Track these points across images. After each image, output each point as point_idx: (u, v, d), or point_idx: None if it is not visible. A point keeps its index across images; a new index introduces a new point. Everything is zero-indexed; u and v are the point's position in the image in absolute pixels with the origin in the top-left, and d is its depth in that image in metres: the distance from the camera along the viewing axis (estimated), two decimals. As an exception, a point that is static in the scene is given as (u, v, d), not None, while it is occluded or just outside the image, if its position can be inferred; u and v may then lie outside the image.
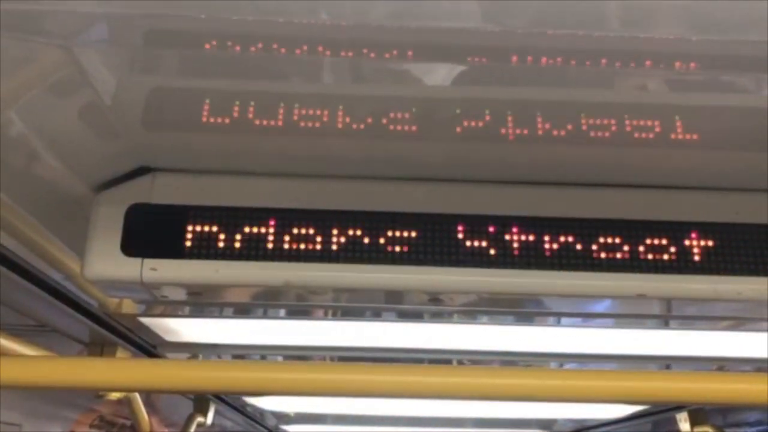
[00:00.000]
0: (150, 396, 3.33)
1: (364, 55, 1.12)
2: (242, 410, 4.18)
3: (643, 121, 1.32)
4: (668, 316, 1.90)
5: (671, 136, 1.32)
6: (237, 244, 1.37)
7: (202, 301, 1.63)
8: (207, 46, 1.11)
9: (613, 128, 1.31)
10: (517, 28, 1.01)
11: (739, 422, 3.35)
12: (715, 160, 1.42)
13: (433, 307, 1.62)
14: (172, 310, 2.15)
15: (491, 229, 1.44)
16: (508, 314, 2.07)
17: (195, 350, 2.79)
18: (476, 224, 1.45)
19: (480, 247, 1.43)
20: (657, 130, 1.32)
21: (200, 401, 3.46)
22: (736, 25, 1.00)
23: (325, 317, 2.15)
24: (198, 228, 1.38)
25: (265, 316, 2.19)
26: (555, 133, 1.33)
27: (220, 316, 2.20)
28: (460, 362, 2.84)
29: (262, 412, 4.47)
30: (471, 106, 1.28)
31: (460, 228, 1.44)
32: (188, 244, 1.37)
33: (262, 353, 2.89)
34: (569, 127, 1.31)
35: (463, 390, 1.51)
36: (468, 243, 1.43)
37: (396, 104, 1.27)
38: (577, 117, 1.29)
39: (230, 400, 3.83)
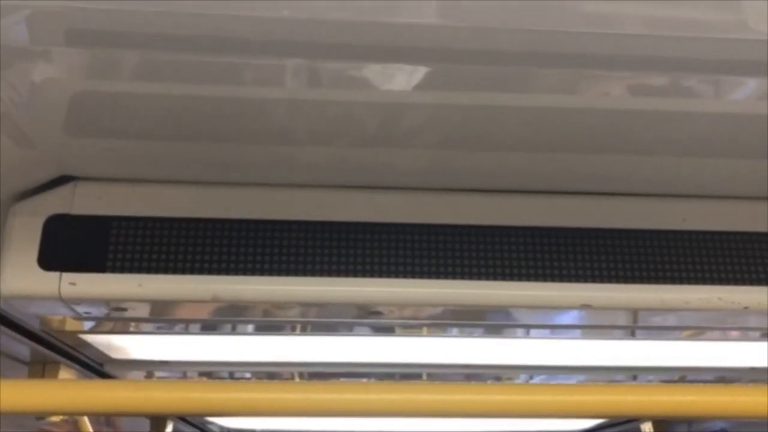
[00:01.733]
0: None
1: (310, 58, 1.08)
2: (203, 428, 4.08)
3: (602, 128, 1.29)
4: (634, 326, 1.88)
5: (628, 143, 1.30)
6: (162, 257, 1.30)
7: (134, 317, 1.56)
8: (134, 46, 1.06)
9: (575, 135, 1.28)
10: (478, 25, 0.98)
11: (704, 430, 3.36)
12: (663, 166, 1.39)
13: (376, 320, 1.57)
14: (122, 326, 2.07)
15: (440, 238, 1.39)
16: (473, 327, 2.03)
17: (149, 368, 2.71)
18: (422, 234, 1.40)
19: (425, 258, 1.38)
20: (615, 137, 1.29)
21: (157, 420, 3.35)
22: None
23: (291, 332, 2.08)
24: (121, 240, 1.31)
25: (221, 331, 2.12)
26: (512, 140, 1.30)
27: (172, 332, 2.12)
28: (431, 375, 2.79)
29: (225, 431, 4.38)
30: (424, 113, 1.24)
31: (404, 238, 1.39)
32: (110, 257, 1.30)
33: (226, 369, 2.81)
34: (527, 133, 1.28)
35: (432, 407, 1.45)
36: (402, 254, 1.39)
37: (343, 109, 1.23)
38: (536, 123, 1.26)
39: (190, 418, 3.73)
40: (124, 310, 1.38)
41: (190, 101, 1.19)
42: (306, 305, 1.44)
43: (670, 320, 1.62)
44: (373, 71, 1.13)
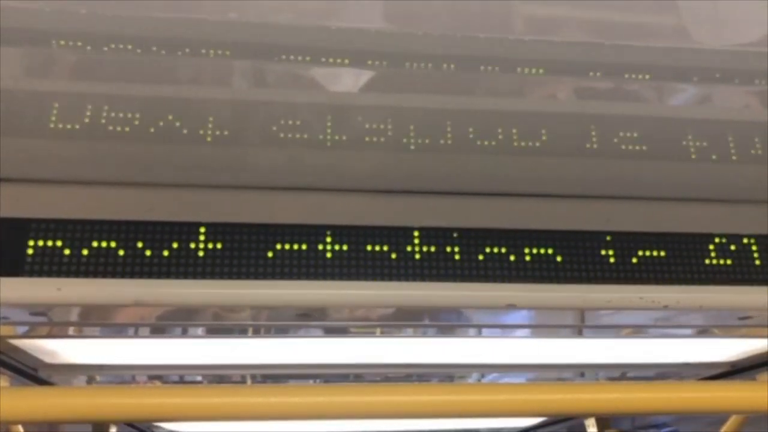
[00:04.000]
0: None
1: (239, 56, 1.07)
2: (149, 432, 4.00)
3: (541, 130, 1.31)
4: (580, 326, 1.91)
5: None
6: (82, 260, 1.27)
7: (58, 321, 1.52)
8: (57, 45, 1.03)
9: (514, 137, 1.30)
10: (429, 31, 0.98)
11: (646, 425, 3.43)
12: (591, 168, 1.42)
13: (328, 322, 1.56)
14: (56, 330, 2.02)
15: (390, 240, 1.39)
16: (424, 327, 2.03)
17: (90, 372, 2.64)
18: (372, 236, 1.40)
19: (375, 260, 1.38)
20: (553, 138, 1.32)
21: (99, 425, 3.28)
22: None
23: (241, 335, 2.05)
24: (40, 243, 1.28)
25: (169, 334, 2.08)
26: (461, 143, 1.31)
27: (111, 335, 2.08)
28: (383, 376, 2.80)
29: (172, 435, 4.29)
30: (375, 113, 1.24)
31: (354, 240, 1.39)
32: (28, 260, 1.26)
33: (176, 372, 2.76)
34: (476, 135, 1.29)
35: (384, 409, 1.45)
36: (352, 255, 1.38)
37: (286, 110, 1.22)
38: (485, 126, 1.27)
39: (135, 423, 3.65)
40: (44, 314, 1.35)
41: (118, 101, 1.17)
42: (253, 308, 1.42)
43: (608, 319, 1.65)
44: (320, 73, 1.13)
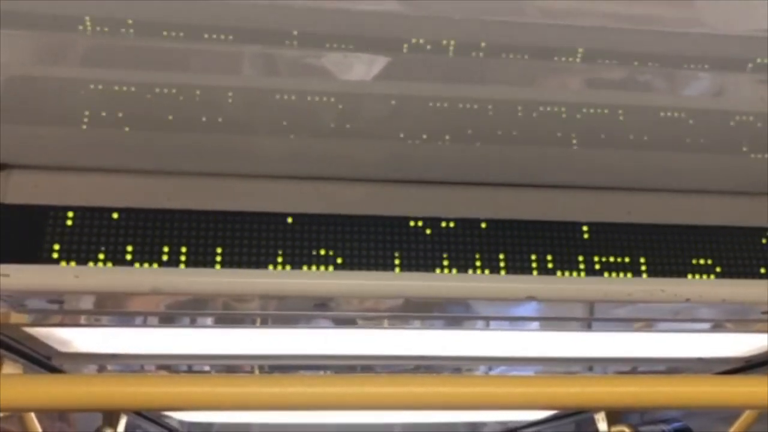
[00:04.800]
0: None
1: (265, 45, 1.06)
2: (159, 422, 4.02)
3: (547, 121, 1.29)
4: (590, 318, 1.90)
5: (573, 137, 1.30)
6: (100, 248, 1.26)
7: (74, 309, 1.51)
8: (73, 31, 1.02)
9: (531, 127, 1.28)
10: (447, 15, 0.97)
11: (655, 420, 3.42)
12: (607, 158, 1.40)
13: (336, 312, 1.55)
14: (69, 319, 2.02)
15: (387, 230, 1.38)
16: (432, 318, 2.03)
17: (101, 361, 2.64)
18: (371, 225, 1.39)
19: (379, 250, 1.37)
20: (562, 131, 1.30)
21: (109, 413, 3.28)
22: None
23: (251, 325, 2.05)
24: (57, 230, 1.27)
25: (179, 324, 2.07)
26: (472, 132, 1.29)
27: (124, 324, 2.08)
28: (391, 367, 2.79)
29: (181, 424, 4.32)
30: (383, 104, 1.22)
31: (363, 230, 1.38)
32: (45, 247, 1.26)
33: (185, 362, 2.76)
34: (486, 125, 1.27)
35: (394, 400, 1.44)
36: (361, 246, 1.37)
37: (300, 99, 1.20)
38: (495, 115, 1.25)
39: (145, 412, 3.67)
40: (61, 302, 1.34)
41: (135, 88, 1.16)
42: (263, 298, 1.41)
43: (620, 312, 1.64)
44: (331, 60, 1.11)
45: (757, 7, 1.03)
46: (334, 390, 1.38)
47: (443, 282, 1.37)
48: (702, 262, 1.41)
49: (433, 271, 1.37)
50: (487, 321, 1.97)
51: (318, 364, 2.64)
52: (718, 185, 1.50)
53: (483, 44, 1.06)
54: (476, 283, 1.37)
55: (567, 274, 1.37)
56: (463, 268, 1.37)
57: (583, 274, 1.37)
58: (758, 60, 1.11)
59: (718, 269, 1.42)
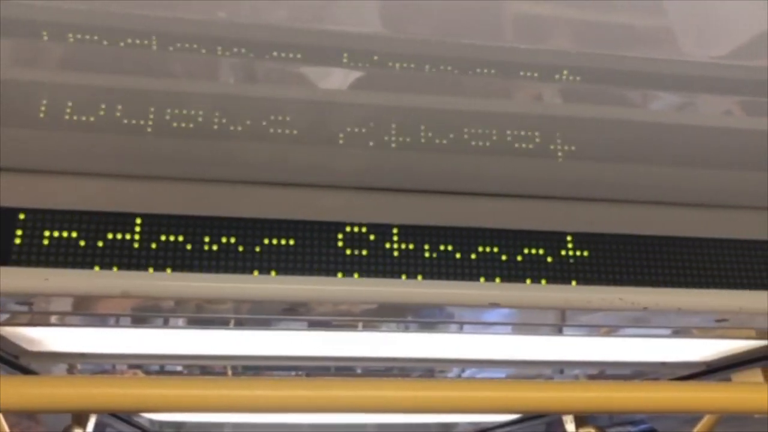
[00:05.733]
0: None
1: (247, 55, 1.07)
2: (129, 421, 3.99)
3: (523, 132, 1.33)
4: (556, 324, 1.94)
5: (550, 147, 1.34)
6: (70, 251, 1.27)
7: (43, 311, 1.52)
8: (52, 36, 1.03)
9: (494, 138, 1.31)
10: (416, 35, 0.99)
11: (623, 421, 3.48)
12: (589, 170, 1.44)
13: (310, 316, 1.57)
14: (38, 318, 2.01)
15: (370, 237, 1.41)
16: (406, 322, 2.05)
17: (70, 360, 2.63)
18: (355, 232, 1.41)
19: (356, 255, 1.39)
20: (537, 141, 1.33)
21: (78, 414, 3.25)
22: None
23: (224, 326, 2.05)
24: (28, 232, 1.27)
25: (151, 324, 2.07)
26: (447, 142, 1.32)
27: (94, 324, 2.07)
28: (365, 369, 2.81)
29: (152, 423, 4.29)
30: (354, 112, 1.25)
31: (337, 237, 1.40)
32: (15, 249, 1.26)
33: (156, 362, 2.75)
34: (450, 135, 1.30)
35: (363, 403, 1.46)
36: (334, 252, 1.40)
37: (275, 106, 1.22)
38: (470, 126, 1.28)
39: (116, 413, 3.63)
40: (30, 304, 1.35)
41: (109, 92, 1.17)
42: (235, 302, 1.42)
43: (584, 319, 1.68)
44: (307, 71, 1.14)
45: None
46: (306, 393, 1.40)
47: (412, 288, 1.40)
48: (661, 271, 1.45)
49: (404, 277, 1.39)
50: (459, 325, 2.01)
51: (291, 365, 2.65)
52: (682, 198, 1.55)
53: (458, 60, 1.09)
54: (443, 289, 1.40)
55: (530, 282, 1.41)
56: (433, 275, 1.40)
57: (544, 281, 1.41)
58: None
59: (677, 279, 1.47)
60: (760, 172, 1.39)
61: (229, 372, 2.83)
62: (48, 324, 2.04)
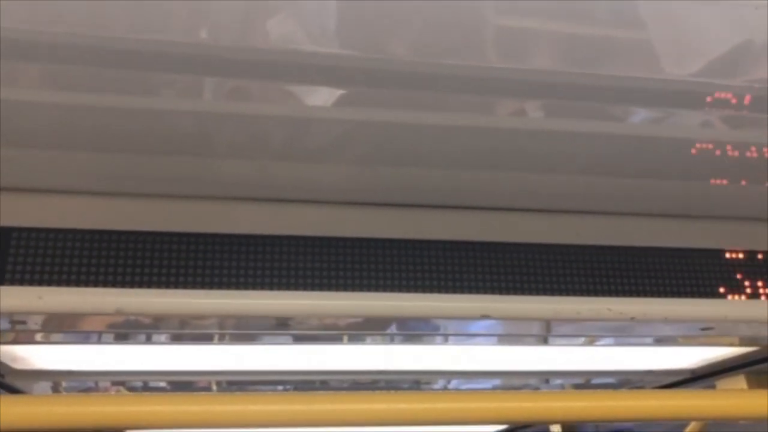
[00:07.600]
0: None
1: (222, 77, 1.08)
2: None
3: (508, 146, 1.35)
4: (544, 335, 1.96)
5: (536, 160, 1.36)
6: (64, 269, 1.27)
7: (36, 329, 1.51)
8: (39, 57, 1.04)
9: (478, 152, 1.33)
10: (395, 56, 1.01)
11: (610, 430, 3.51)
12: (556, 182, 1.47)
13: (296, 330, 1.58)
14: (25, 336, 1.99)
15: (356, 251, 1.42)
16: (391, 335, 2.06)
17: (55, 378, 2.60)
18: (338, 247, 1.42)
19: (342, 269, 1.40)
20: (522, 154, 1.36)
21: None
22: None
23: (209, 342, 2.05)
24: (21, 251, 1.27)
25: (135, 341, 2.06)
26: (426, 156, 1.34)
27: (80, 342, 2.06)
28: (351, 382, 2.81)
29: (138, 440, 4.23)
30: (339, 129, 1.26)
31: (321, 251, 1.41)
32: (9, 268, 1.26)
33: (140, 379, 2.73)
34: (440, 150, 1.32)
35: (348, 417, 1.46)
36: (319, 266, 1.41)
37: (258, 124, 1.23)
38: (448, 141, 1.30)
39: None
40: (24, 323, 1.34)
41: (97, 112, 1.18)
42: (221, 317, 1.43)
43: (572, 329, 1.71)
44: (287, 90, 1.15)
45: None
46: (293, 407, 1.40)
47: (401, 302, 1.42)
48: (646, 281, 1.48)
49: (391, 290, 1.41)
50: (446, 337, 2.03)
51: (277, 379, 2.64)
52: (661, 209, 1.58)
53: (437, 78, 1.11)
54: (433, 302, 1.41)
55: (520, 293, 1.43)
56: (420, 288, 1.42)
57: (535, 293, 1.43)
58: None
59: (661, 288, 1.50)
60: (744, 183, 1.43)
61: (214, 387, 2.81)
62: (33, 341, 2.02)
